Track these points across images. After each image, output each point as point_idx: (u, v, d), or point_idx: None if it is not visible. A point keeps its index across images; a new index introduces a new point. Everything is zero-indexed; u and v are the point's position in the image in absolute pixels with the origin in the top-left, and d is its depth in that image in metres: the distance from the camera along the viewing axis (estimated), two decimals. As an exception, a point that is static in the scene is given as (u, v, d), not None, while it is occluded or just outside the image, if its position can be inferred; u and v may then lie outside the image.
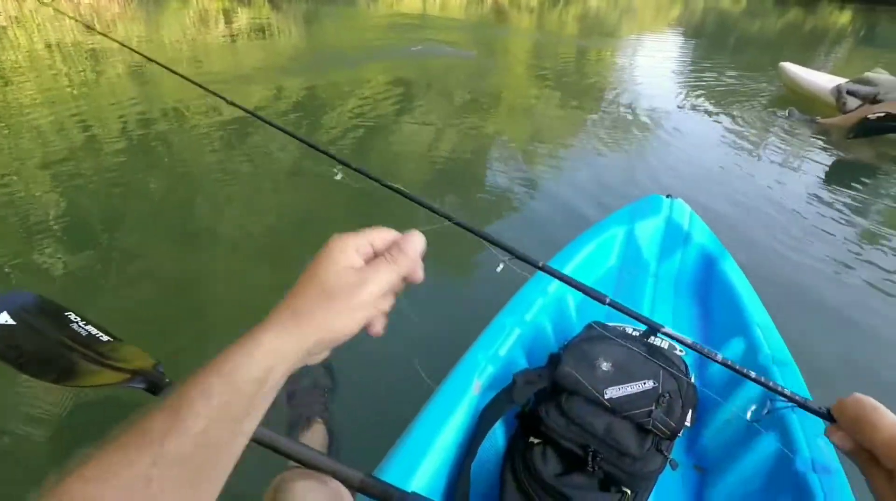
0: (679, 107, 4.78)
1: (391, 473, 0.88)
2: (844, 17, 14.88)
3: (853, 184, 3.24)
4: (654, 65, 7.09)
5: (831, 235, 2.65)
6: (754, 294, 1.32)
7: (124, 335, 0.96)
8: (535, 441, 0.98)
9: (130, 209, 2.66)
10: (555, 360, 1.04)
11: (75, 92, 4.45)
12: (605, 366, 0.98)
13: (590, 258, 1.48)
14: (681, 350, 1.22)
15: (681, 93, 5.27)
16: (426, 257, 0.47)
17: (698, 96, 5.11)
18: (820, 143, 3.85)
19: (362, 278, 0.40)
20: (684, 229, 1.57)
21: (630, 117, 4.43)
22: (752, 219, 2.73)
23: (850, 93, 4.11)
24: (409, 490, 0.82)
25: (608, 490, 0.91)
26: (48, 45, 6.12)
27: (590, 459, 0.90)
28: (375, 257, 0.43)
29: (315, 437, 1.15)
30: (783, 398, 0.98)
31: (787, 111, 4.41)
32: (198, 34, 7.68)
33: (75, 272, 2.14)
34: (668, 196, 1.72)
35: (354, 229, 0.43)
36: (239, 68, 5.83)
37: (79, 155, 3.21)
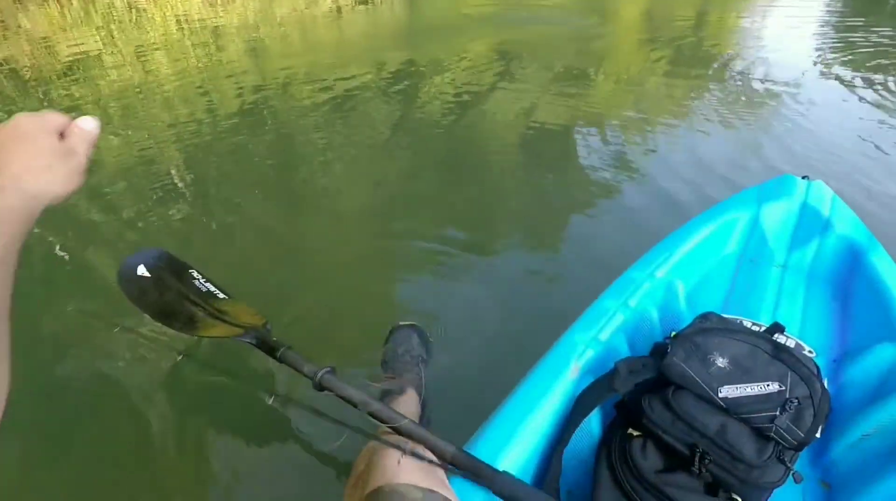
0: (818, 75, 4.21)
1: (481, 450, 0.87)
2: None
3: None
4: (790, 25, 6.29)
5: None
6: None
7: (234, 291, 1.02)
8: (636, 433, 0.92)
9: (240, 170, 2.86)
10: (661, 350, 0.97)
11: (199, 64, 4.83)
12: (720, 362, 0.89)
13: (705, 244, 1.35)
14: (811, 351, 1.09)
15: (819, 59, 4.64)
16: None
17: (842, 63, 4.46)
18: None
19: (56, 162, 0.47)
20: (824, 215, 1.38)
21: (756, 87, 3.98)
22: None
23: None
24: (500, 469, 0.81)
25: (716, 494, 0.84)
26: (179, 22, 6.68)
27: (697, 459, 0.83)
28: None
29: (408, 406, 1.17)
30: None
31: None
32: (306, 8, 7.97)
33: (191, 228, 2.34)
34: (804, 177, 1.52)
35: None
36: (343, 42, 5.99)
37: (200, 117, 3.50)
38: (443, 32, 6.07)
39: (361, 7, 8.15)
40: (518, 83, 4.18)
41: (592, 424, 1.01)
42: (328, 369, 0.89)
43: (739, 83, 4.13)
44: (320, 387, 0.89)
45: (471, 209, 2.44)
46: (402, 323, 1.47)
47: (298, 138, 3.28)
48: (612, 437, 0.96)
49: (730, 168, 2.72)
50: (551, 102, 3.73)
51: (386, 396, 1.20)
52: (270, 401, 1.45)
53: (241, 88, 4.12)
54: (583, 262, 2.00)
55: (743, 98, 3.80)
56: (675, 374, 0.89)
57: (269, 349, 0.96)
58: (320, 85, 4.12)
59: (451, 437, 0.84)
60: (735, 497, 0.83)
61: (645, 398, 0.92)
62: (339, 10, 7.89)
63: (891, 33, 5.24)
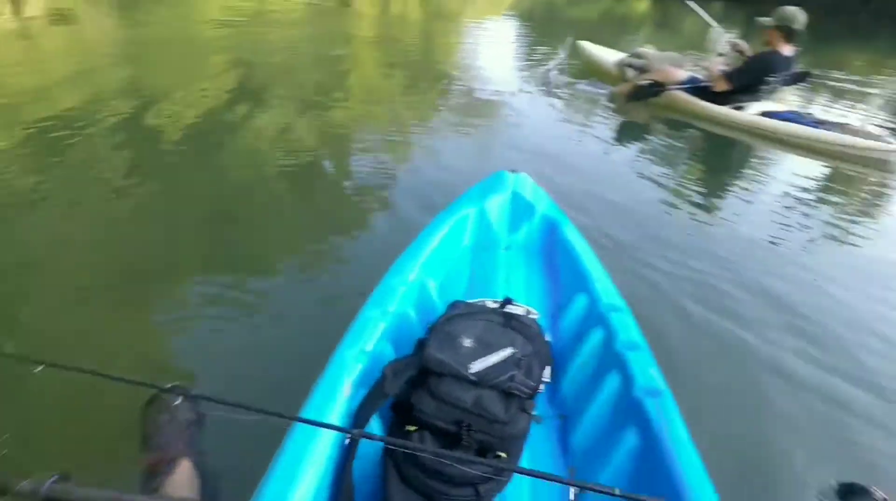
0: (516, 86, 5.11)
1: (269, 496, 0.84)
2: (643, 6, 16.93)
3: (638, 137, 4.00)
4: (495, 47, 7.47)
5: (626, 179, 3.22)
6: (592, 253, 1.47)
7: None
8: (412, 428, 0.99)
9: None
10: (422, 345, 1.06)
11: None
12: (467, 343, 1.02)
13: (445, 241, 1.53)
14: (535, 313, 1.32)
15: (517, 73, 5.64)
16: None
17: (530, 76, 5.50)
18: (612, 107, 4.55)
19: None
20: (528, 201, 1.68)
21: (477, 99, 4.64)
22: (583, 181, 3.07)
23: (628, 65, 4.83)
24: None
25: (485, 457, 0.96)
26: None
27: (464, 433, 0.94)
28: None
29: (182, 481, 1.05)
30: (618, 341, 1.10)
31: (586, 81, 5.11)
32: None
33: None
34: (512, 171, 1.82)
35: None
36: (44, 69, 4.99)
37: None
38: (172, 55, 5.53)
39: (58, 23, 6.88)
40: (267, 110, 4.06)
41: (375, 432, 1.05)
42: (56, 477, 0.74)
43: (465, 95, 4.76)
44: (48, 502, 0.73)
45: (231, 246, 2.31)
46: (161, 388, 1.30)
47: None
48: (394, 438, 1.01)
49: (465, 168, 3.12)
50: (303, 127, 3.73)
51: (151, 480, 1.05)
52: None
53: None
54: (353, 277, 2.06)
55: (470, 108, 4.39)
56: (434, 363, 0.99)
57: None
58: (18, 125, 3.37)
59: (245, 489, 0.79)
60: (500, 453, 0.97)
61: (414, 393, 1.00)
62: (25, 31, 6.55)
63: (550, 52, 6.62)
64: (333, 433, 0.96)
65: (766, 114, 3.94)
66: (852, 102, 5.68)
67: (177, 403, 1.27)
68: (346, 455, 0.94)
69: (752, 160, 3.78)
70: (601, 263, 1.43)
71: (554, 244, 1.56)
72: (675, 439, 0.92)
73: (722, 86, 4.03)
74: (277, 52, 5.91)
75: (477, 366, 0.97)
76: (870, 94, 6.20)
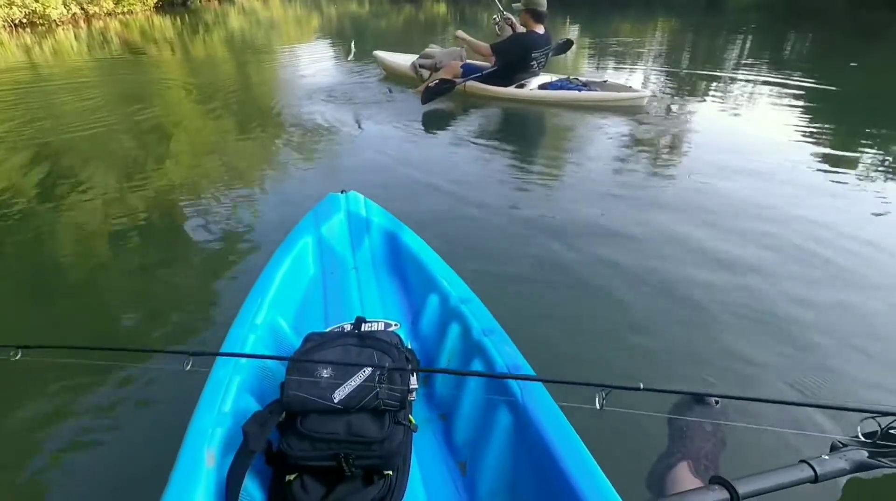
0: (337, 107, 5.10)
1: None
2: (442, 8, 18.07)
3: (452, 129, 4.36)
4: (312, 72, 7.37)
5: (450, 172, 3.43)
6: (435, 254, 1.52)
7: None
8: (291, 477, 0.94)
9: None
10: (283, 388, 1.01)
11: None
12: (325, 373, 0.99)
13: (290, 274, 1.47)
14: (396, 324, 1.33)
15: (335, 93, 5.62)
16: None
17: (343, 94, 5.55)
18: (420, 109, 4.80)
19: None
20: (364, 217, 1.69)
21: (303, 128, 4.54)
22: (411, 186, 3.20)
23: (421, 66, 5.25)
24: None
25: (372, 481, 0.95)
26: None
27: (344, 464, 0.91)
28: None
29: None
30: (474, 330, 1.16)
31: (387, 89, 5.37)
32: None
33: None
34: (342, 191, 1.82)
35: None
36: None
37: None
38: None
39: None
40: (84, 191, 3.52)
41: (255, 497, 0.97)
42: None
43: (292, 127, 4.62)
44: None
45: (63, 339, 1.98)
46: None
47: None
48: (275, 494, 0.95)
49: (310, 194, 3.05)
50: (133, 198, 3.32)
51: None
52: None
53: None
54: (202, 336, 1.90)
55: (298, 140, 4.28)
56: (295, 404, 0.95)
57: None
58: None
59: None
60: (386, 472, 0.96)
61: (282, 440, 0.95)
62: None
63: (368, 67, 6.79)
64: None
65: (542, 86, 4.73)
66: (629, 58, 7.07)
67: None
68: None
69: (544, 125, 4.51)
70: (444, 261, 1.49)
71: (398, 254, 1.59)
72: (542, 409, 0.99)
73: (492, 60, 4.71)
74: (77, 124, 5.16)
75: (340, 393, 0.95)
76: (638, 51, 7.69)
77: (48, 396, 1.69)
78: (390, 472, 0.96)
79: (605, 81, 4.79)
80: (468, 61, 5.06)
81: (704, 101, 5.00)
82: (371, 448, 0.93)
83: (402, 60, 5.67)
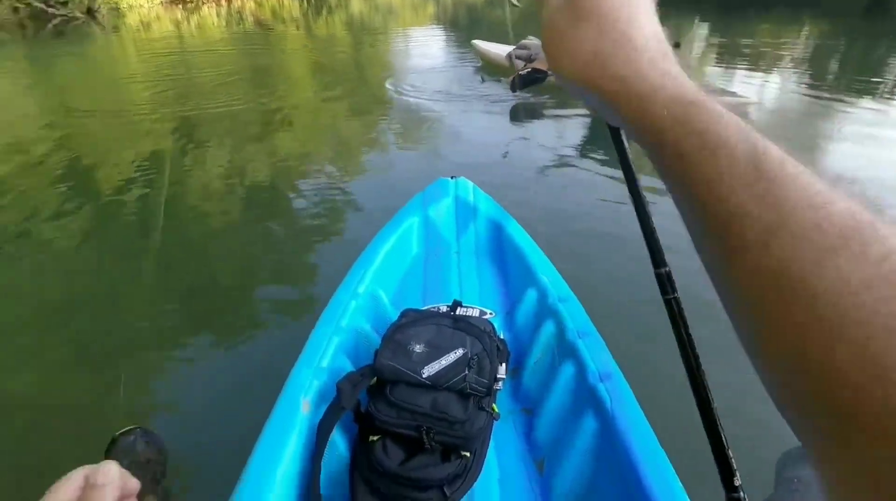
0: (447, 93, 5.19)
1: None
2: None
3: (541, 117, 4.27)
4: (424, 57, 7.56)
5: (554, 169, 3.36)
6: (537, 248, 1.51)
7: None
8: (375, 438, 0.99)
9: None
10: (376, 355, 1.06)
11: None
12: (418, 348, 1.02)
13: (394, 250, 1.53)
14: (491, 312, 1.34)
15: (447, 79, 5.72)
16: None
17: (457, 80, 5.61)
18: (508, 93, 4.80)
19: None
20: (471, 204, 1.71)
21: (412, 110, 4.69)
22: (515, 176, 3.16)
23: (517, 57, 5.12)
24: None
25: (449, 459, 0.96)
26: None
27: (425, 437, 0.94)
28: None
29: None
30: (569, 330, 1.14)
31: (480, 77, 5.45)
32: None
33: None
34: (452, 177, 1.85)
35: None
36: None
37: None
38: (96, 112, 5.23)
39: None
40: (211, 151, 3.93)
41: (340, 447, 1.04)
42: None
43: (402, 109, 4.79)
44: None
45: (189, 286, 2.25)
46: (120, 431, 1.25)
47: None
48: (357, 450, 1.01)
49: (410, 177, 3.15)
50: (253, 164, 3.64)
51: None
52: None
53: None
54: (309, 296, 2.04)
55: (407, 121, 4.42)
56: (387, 371, 0.99)
57: None
58: None
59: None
60: (464, 453, 0.97)
61: (371, 403, 1.00)
62: None
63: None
64: (298, 452, 0.95)
65: None
66: (764, 63, 6.54)
67: (137, 442, 1.23)
68: (311, 471, 0.93)
69: None
70: (546, 257, 1.47)
71: (501, 244, 1.59)
72: (631, 420, 0.96)
73: None
74: (211, 94, 5.72)
75: (430, 370, 0.98)
76: (777, 55, 7.05)
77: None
78: (468, 454, 0.98)
79: (708, 85, 4.49)
80: None
81: (836, 120, 4.44)
82: (453, 427, 0.95)
83: (499, 50, 5.64)
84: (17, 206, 3.00)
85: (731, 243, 0.23)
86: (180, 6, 16.71)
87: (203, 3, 17.24)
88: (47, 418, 1.59)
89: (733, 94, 4.28)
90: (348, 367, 1.17)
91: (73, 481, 0.39)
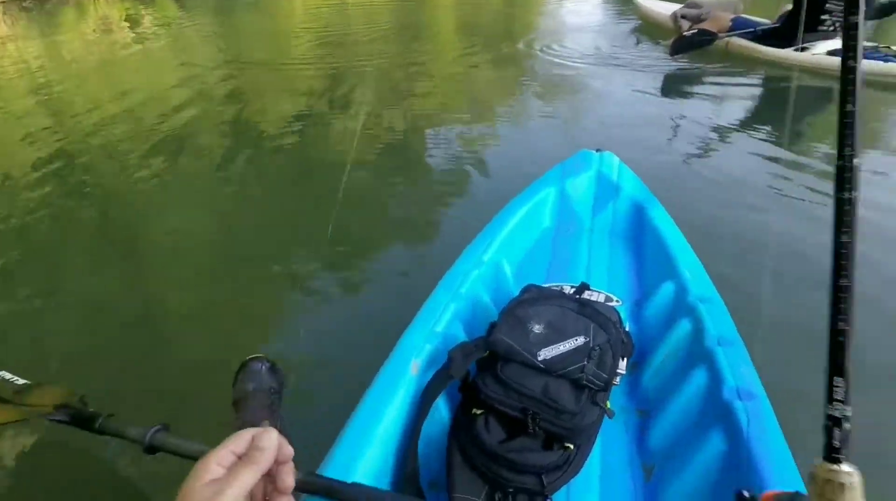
0: (596, 57, 4.83)
1: (335, 467, 0.87)
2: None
3: (710, 97, 3.76)
4: (577, 14, 7.12)
5: (711, 147, 3.03)
6: (682, 238, 1.35)
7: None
8: (478, 411, 0.98)
9: (62, 237, 2.52)
10: (492, 328, 1.04)
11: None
12: (537, 328, 0.98)
13: (524, 222, 1.48)
14: (617, 300, 1.24)
15: (596, 43, 5.30)
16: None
17: (609, 45, 5.17)
18: (669, 59, 4.25)
19: (218, 489, 0.42)
20: (614, 181, 1.58)
21: (558, 74, 4.47)
22: (666, 157, 2.85)
23: (683, 17, 4.60)
24: (351, 482, 0.81)
25: (551, 447, 0.92)
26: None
27: (530, 421, 0.91)
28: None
29: None
30: (707, 335, 1.01)
31: (635, 39, 5.01)
32: (102, 47, 7.22)
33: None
34: (597, 150, 1.72)
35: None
36: (151, 71, 5.54)
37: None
38: (264, 60, 5.83)
39: (165, 39, 7.55)
40: (357, 103, 4.17)
41: (442, 413, 1.05)
42: (159, 427, 0.83)
43: (546, 72, 4.58)
44: (151, 449, 0.82)
45: (318, 225, 2.42)
46: (249, 357, 1.40)
47: (129, 185, 2.98)
48: (458, 421, 1.01)
49: (547, 147, 3.02)
50: (392, 113, 3.80)
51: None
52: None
53: (43, 148, 3.60)
54: (434, 258, 2.08)
55: (551, 85, 4.23)
56: (501, 347, 0.96)
57: (85, 421, 0.87)
58: (145, 122, 3.78)
59: (311, 459, 0.83)
60: (567, 444, 0.92)
61: (479, 376, 0.98)
62: (142, 43, 7.25)
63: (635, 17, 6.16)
64: (402, 412, 0.97)
65: (833, 52, 3.52)
66: None
67: (262, 371, 1.36)
68: (412, 432, 0.95)
69: (827, 105, 3.43)
70: (692, 248, 1.31)
71: (641, 228, 1.46)
72: (770, 450, 0.82)
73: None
74: (363, 46, 6.01)
75: (546, 353, 0.93)
76: None
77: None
78: (571, 446, 0.93)
79: None
80: (742, 16, 4.28)
81: None
82: (560, 417, 0.90)
83: (664, 9, 5.06)
84: (203, 147, 3.46)
85: None
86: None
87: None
88: (204, 325, 1.84)
89: None
90: (462, 336, 1.16)
91: (242, 439, 0.45)
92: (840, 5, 2.58)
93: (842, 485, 0.62)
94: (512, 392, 0.93)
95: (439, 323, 1.13)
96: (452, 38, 6.59)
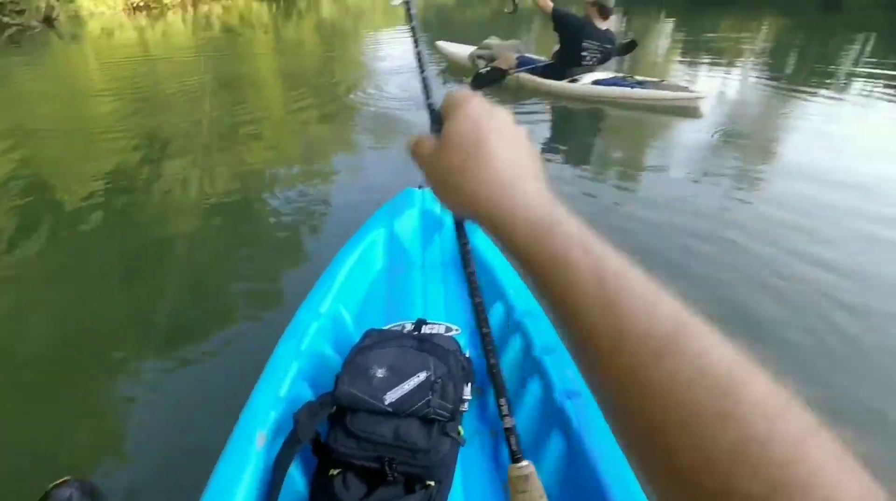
0: (415, 97, 5.14)
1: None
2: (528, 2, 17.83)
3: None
4: (392, 60, 7.49)
5: None
6: (503, 261, 1.47)
7: None
8: (335, 471, 0.94)
9: None
10: (337, 381, 1.02)
11: None
12: (380, 373, 0.98)
13: (357, 266, 1.49)
14: (456, 329, 1.30)
15: (411, 82, 5.61)
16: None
17: (413, 84, 5.58)
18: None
19: None
20: (437, 215, 1.67)
21: (382, 116, 4.64)
22: None
23: (479, 57, 5.24)
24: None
25: (413, 490, 0.93)
26: None
27: (387, 468, 0.90)
28: None
29: None
30: (536, 347, 1.11)
31: (443, 80, 5.54)
32: None
33: None
34: (420, 187, 1.81)
35: None
36: None
37: None
38: (59, 128, 5.02)
39: None
40: (176, 159, 3.81)
41: (298, 482, 0.99)
42: None
43: (371, 115, 4.73)
44: None
45: (148, 309, 2.15)
46: (53, 485, 1.17)
47: None
48: (317, 485, 0.96)
49: (381, 187, 3.08)
50: (216, 179, 3.53)
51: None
52: None
53: None
54: (271, 319, 1.97)
55: (376, 127, 4.37)
56: (347, 399, 0.95)
57: None
58: None
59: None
60: (428, 482, 0.94)
61: (331, 433, 0.95)
62: None
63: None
64: (252, 492, 0.90)
65: (596, 82, 4.56)
66: (726, 57, 6.77)
67: (70, 499, 1.15)
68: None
69: (597, 124, 4.41)
70: (513, 270, 1.44)
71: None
72: (599, 439, 0.93)
73: (547, 8, 4.58)
74: (176, 102, 5.56)
75: (392, 396, 0.94)
76: (738, 49, 7.31)
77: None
78: (433, 483, 0.94)
79: (661, 81, 4.58)
80: (525, 55, 5.09)
81: (799, 109, 4.61)
82: (416, 457, 0.91)
83: (462, 51, 5.70)
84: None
85: (589, 354, 0.27)
86: (144, 13, 16.31)
87: (168, 9, 16.86)
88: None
89: (685, 88, 4.39)
90: (309, 395, 1.12)
91: None
92: (594, 44, 3.21)
93: (525, 476, 0.84)
94: (365, 443, 0.92)
95: (282, 387, 1.07)
96: (278, 88, 6.42)
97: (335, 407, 0.97)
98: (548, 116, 4.52)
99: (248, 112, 5.07)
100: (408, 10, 0.58)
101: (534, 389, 1.08)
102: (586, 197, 2.91)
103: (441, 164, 0.36)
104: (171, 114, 5.04)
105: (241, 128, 4.57)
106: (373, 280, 1.52)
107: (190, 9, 17.27)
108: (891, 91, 4.96)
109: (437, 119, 0.40)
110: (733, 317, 1.91)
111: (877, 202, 2.72)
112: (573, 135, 4.29)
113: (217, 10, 16.99)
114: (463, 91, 0.38)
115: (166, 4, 16.90)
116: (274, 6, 17.68)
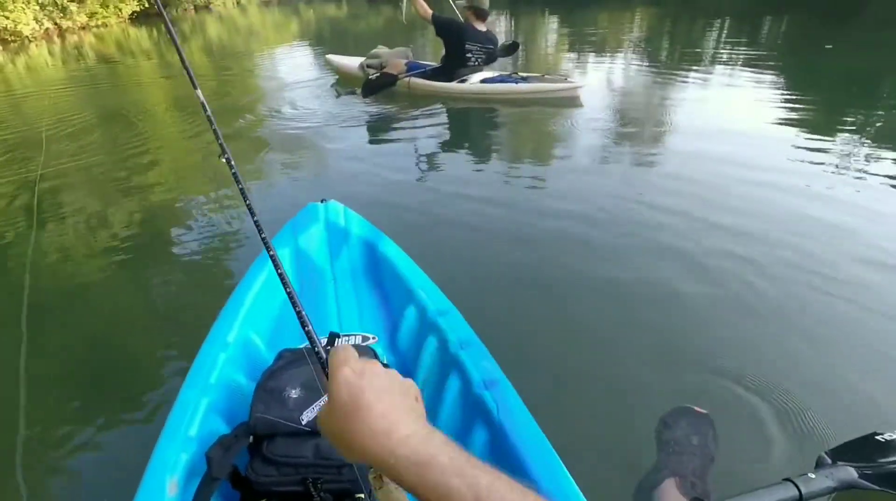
0: (313, 113, 5.05)
1: None
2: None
3: (393, 129, 4.46)
4: (286, 76, 7.32)
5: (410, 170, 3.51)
6: (412, 263, 1.48)
7: None
8: (258, 503, 0.91)
9: None
10: (251, 409, 0.98)
11: None
12: (294, 393, 0.96)
13: (265, 288, 1.43)
14: (373, 337, 1.30)
15: (307, 98, 5.56)
16: None
17: (316, 97, 5.54)
18: (365, 106, 5.01)
19: None
20: (343, 227, 1.65)
21: (279, 136, 4.49)
22: (387, 192, 3.16)
23: (368, 66, 5.39)
24: None
25: (344, 505, 0.91)
26: None
27: (312, 489, 0.88)
28: None
29: None
30: (451, 343, 1.13)
31: (335, 91, 5.61)
32: None
33: None
34: (322, 201, 1.78)
35: None
36: None
37: None
38: None
39: None
40: (65, 216, 3.40)
41: (221, 522, 0.94)
42: None
43: (270, 135, 4.57)
44: None
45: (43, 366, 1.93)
46: None
47: None
48: (241, 523, 0.92)
49: (285, 206, 3.00)
50: (113, 217, 3.23)
51: None
52: None
53: None
54: (175, 359, 1.86)
55: (277, 146, 4.23)
56: (262, 427, 0.92)
57: None
58: None
59: None
60: (358, 495, 0.92)
61: (249, 464, 0.91)
62: None
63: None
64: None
65: (483, 80, 4.85)
66: (608, 49, 7.34)
67: None
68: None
69: (490, 120, 4.62)
70: (423, 271, 1.45)
71: (377, 265, 1.55)
72: (520, 425, 0.96)
73: (427, 16, 4.78)
74: (62, 137, 5.01)
75: (309, 414, 0.92)
76: (616, 40, 7.97)
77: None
78: (362, 495, 0.93)
79: (543, 75, 4.92)
80: (414, 60, 5.27)
81: (676, 89, 5.08)
82: (341, 472, 0.90)
83: (352, 62, 5.77)
84: None
85: None
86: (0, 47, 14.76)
87: (30, 42, 15.36)
88: None
89: (564, 79, 4.70)
90: (224, 429, 1.06)
91: None
92: (476, 45, 3.38)
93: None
94: (285, 468, 0.89)
95: (192, 426, 1.01)
96: (171, 115, 6.01)
97: (251, 437, 0.93)
98: (445, 118, 4.63)
99: (140, 146, 4.72)
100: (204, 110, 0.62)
101: (453, 383, 1.09)
102: (487, 191, 3.00)
103: (330, 422, 0.42)
104: (58, 155, 4.55)
105: (134, 163, 4.25)
106: (283, 300, 1.47)
107: (57, 39, 15.86)
108: (749, 68, 5.56)
109: (326, 372, 0.46)
110: (648, 283, 2.05)
111: (757, 168, 3.03)
112: (470, 134, 4.44)
113: (89, 38, 15.71)
114: (339, 354, 0.44)
115: (27, 37, 15.40)
116: (154, 30, 16.64)
